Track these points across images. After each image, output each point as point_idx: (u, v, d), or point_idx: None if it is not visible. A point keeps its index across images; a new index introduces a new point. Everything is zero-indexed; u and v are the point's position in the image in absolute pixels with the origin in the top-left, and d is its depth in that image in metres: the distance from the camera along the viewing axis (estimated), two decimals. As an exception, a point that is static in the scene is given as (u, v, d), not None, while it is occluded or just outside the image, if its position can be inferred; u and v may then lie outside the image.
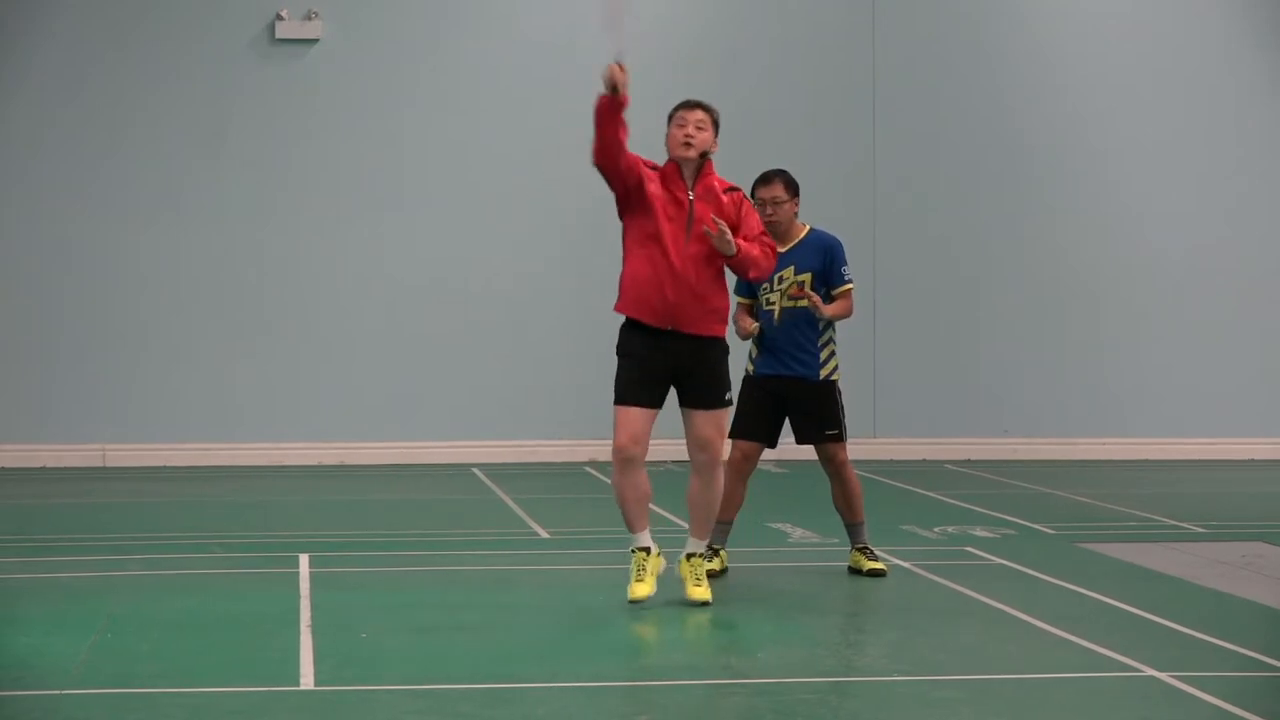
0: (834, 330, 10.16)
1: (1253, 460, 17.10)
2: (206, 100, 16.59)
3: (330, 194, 16.72)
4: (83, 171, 16.46)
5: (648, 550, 9.11)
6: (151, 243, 16.52)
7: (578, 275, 16.70)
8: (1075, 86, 17.44)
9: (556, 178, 16.67)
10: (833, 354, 10.13)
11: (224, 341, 16.58)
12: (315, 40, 16.69)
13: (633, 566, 9.13)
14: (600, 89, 8.91)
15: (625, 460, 9.08)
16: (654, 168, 9.22)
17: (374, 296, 16.79)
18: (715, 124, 9.24)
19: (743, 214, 9.25)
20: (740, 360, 10.02)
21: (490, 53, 16.87)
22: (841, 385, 10.23)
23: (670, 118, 9.28)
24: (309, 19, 16.65)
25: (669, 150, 9.25)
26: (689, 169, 9.20)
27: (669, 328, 9.11)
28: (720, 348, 9.23)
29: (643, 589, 9.04)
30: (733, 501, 10.02)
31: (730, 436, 10.03)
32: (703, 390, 9.15)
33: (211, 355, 16.54)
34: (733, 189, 9.29)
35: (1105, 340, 17.43)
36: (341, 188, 16.74)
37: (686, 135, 9.16)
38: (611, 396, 9.17)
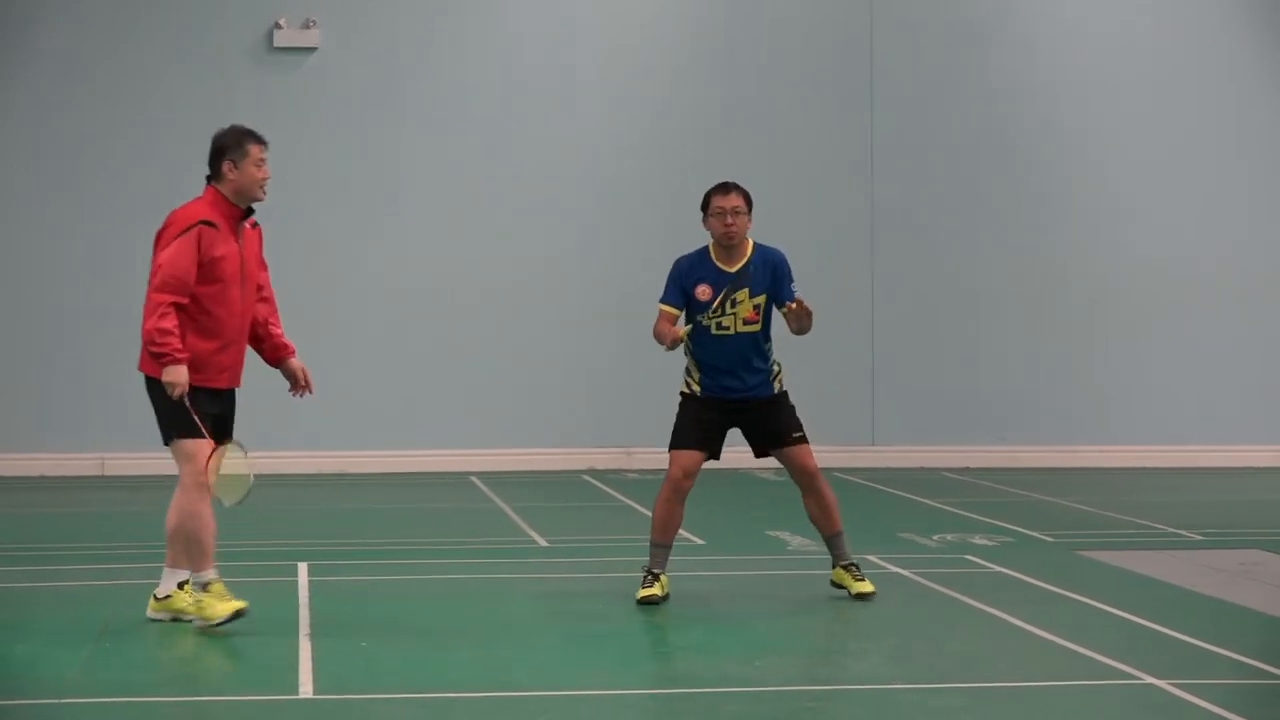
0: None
1: (1251, 468, 17.09)
2: (204, 107, 16.56)
3: (328, 202, 16.72)
4: (81, 179, 16.45)
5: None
6: (149, 251, 16.45)
7: (577, 286, 16.69)
8: (1074, 94, 17.43)
9: (555, 188, 16.68)
10: (778, 364, 9.58)
11: (222, 350, 16.53)
12: (313, 49, 16.69)
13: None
14: None
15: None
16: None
17: (372, 304, 16.77)
18: None
19: None
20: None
21: (488, 61, 16.87)
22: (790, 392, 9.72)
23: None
24: (307, 27, 16.65)
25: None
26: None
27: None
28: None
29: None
30: (671, 523, 9.41)
31: (671, 448, 9.46)
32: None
33: (210, 363, 16.49)
34: None
35: (1103, 348, 17.42)
36: (339, 195, 16.74)
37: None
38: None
